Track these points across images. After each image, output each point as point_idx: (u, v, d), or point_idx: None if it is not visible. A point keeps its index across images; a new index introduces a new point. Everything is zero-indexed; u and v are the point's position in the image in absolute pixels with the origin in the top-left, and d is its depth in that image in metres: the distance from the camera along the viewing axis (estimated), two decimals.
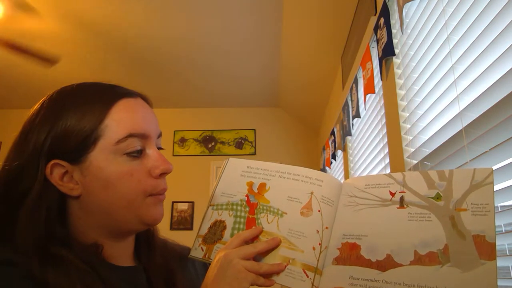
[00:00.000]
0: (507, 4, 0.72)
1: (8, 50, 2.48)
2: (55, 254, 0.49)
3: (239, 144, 4.09)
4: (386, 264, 0.51)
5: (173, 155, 4.05)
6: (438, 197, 0.52)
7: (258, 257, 0.55)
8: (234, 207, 0.62)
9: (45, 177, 0.52)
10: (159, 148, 0.60)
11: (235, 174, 0.66)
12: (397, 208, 0.54)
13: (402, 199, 0.54)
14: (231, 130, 4.14)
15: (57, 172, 0.52)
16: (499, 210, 0.82)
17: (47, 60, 2.56)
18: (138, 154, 0.55)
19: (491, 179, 0.49)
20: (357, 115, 1.88)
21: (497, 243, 0.78)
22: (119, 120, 0.54)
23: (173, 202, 3.82)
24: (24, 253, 0.48)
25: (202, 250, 0.61)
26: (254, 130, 4.12)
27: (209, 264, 0.56)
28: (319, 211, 0.57)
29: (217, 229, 0.62)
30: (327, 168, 2.97)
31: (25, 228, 0.50)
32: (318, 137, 3.95)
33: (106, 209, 0.54)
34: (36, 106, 0.56)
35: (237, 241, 0.55)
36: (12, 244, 0.49)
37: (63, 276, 0.47)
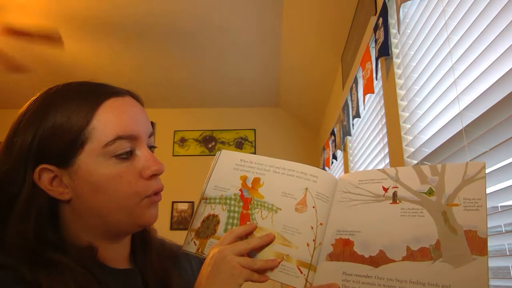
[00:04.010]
0: (507, 4, 0.72)
1: (11, 35, 2.44)
2: (48, 258, 0.48)
3: (239, 144, 4.09)
4: (379, 260, 0.51)
5: (173, 155, 4.05)
6: (430, 192, 0.51)
7: (252, 253, 0.55)
8: (228, 201, 0.62)
9: (34, 182, 0.51)
10: (152, 147, 0.59)
11: (228, 167, 0.65)
12: (390, 203, 0.54)
13: (395, 194, 0.54)
14: (231, 130, 4.14)
15: (46, 177, 0.51)
16: (499, 210, 0.82)
17: (50, 37, 2.51)
18: (128, 155, 0.53)
19: (483, 173, 0.49)
20: (357, 115, 1.88)
21: (497, 243, 0.78)
22: (107, 122, 0.52)
23: (173, 202, 3.82)
24: (15, 257, 0.47)
25: (195, 245, 0.60)
26: (254, 130, 4.12)
27: (203, 259, 0.56)
28: (313, 207, 0.57)
29: (210, 223, 0.61)
30: (327, 168, 2.97)
31: (15, 232, 0.49)
32: (318, 137, 3.95)
33: (98, 212, 0.53)
34: (22, 109, 0.55)
35: (230, 237, 0.55)
36: (4, 247, 0.49)
37: (57, 279, 0.47)
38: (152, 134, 0.59)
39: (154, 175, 0.56)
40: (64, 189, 0.52)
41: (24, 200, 0.50)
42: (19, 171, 0.51)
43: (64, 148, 0.51)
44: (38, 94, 0.56)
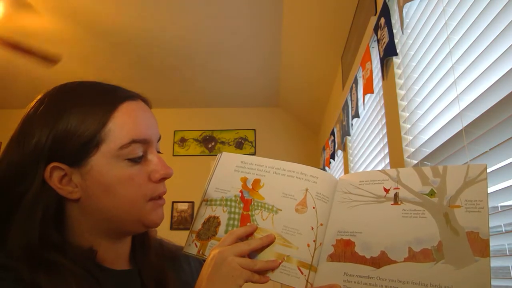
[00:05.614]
0: (507, 4, 0.72)
1: (9, 49, 2.46)
2: (48, 259, 0.48)
3: (239, 144, 4.09)
4: (381, 261, 0.51)
5: (173, 155, 4.05)
6: (432, 193, 0.51)
7: (252, 254, 0.55)
8: (228, 203, 0.62)
9: (44, 180, 0.51)
10: (158, 152, 0.60)
11: (228, 169, 0.65)
12: (391, 204, 0.54)
13: (396, 195, 0.54)
14: (231, 130, 4.14)
15: (56, 175, 0.51)
16: (499, 210, 0.82)
17: (48, 59, 2.54)
18: (140, 159, 0.55)
19: (485, 175, 0.49)
20: (356, 115, 1.88)
21: (497, 243, 0.78)
22: (122, 125, 0.53)
23: (173, 202, 3.82)
24: (16, 258, 0.47)
25: (196, 246, 0.61)
26: (254, 130, 4.12)
27: (204, 260, 0.56)
28: (313, 207, 0.57)
29: (211, 225, 0.62)
30: (327, 168, 2.97)
31: (19, 232, 0.49)
32: (318, 137, 3.95)
33: (106, 212, 0.53)
34: (35, 103, 0.54)
35: (231, 239, 0.55)
36: (5, 247, 0.48)
37: (57, 281, 0.47)
38: (160, 138, 0.60)
39: (163, 179, 0.57)
40: (74, 188, 0.52)
41: (32, 197, 0.50)
42: (31, 168, 0.51)
43: (79, 148, 0.51)
44: (53, 89, 0.56)
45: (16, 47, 2.45)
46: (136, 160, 0.54)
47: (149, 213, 0.56)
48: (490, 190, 0.78)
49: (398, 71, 1.35)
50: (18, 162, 0.51)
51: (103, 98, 0.55)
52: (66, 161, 0.51)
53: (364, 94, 1.67)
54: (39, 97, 0.55)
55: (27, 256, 0.48)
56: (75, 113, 0.52)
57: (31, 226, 0.49)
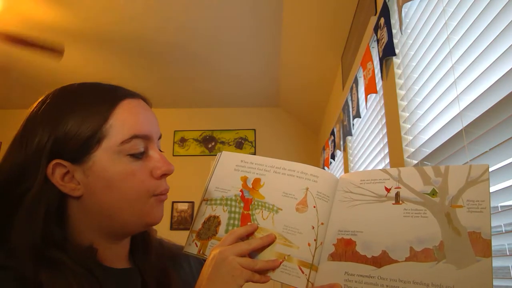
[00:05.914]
0: (507, 4, 0.72)
1: (11, 43, 2.44)
2: (50, 257, 0.49)
3: (239, 144, 4.09)
4: (382, 260, 0.51)
5: (173, 155, 4.05)
6: (433, 193, 0.51)
7: (253, 253, 0.55)
8: (229, 202, 0.62)
9: (46, 178, 0.51)
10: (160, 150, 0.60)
11: (228, 169, 0.65)
12: (393, 204, 0.54)
13: (397, 195, 0.54)
14: (231, 130, 4.14)
15: (58, 172, 0.52)
16: (499, 210, 0.82)
17: (53, 50, 2.50)
18: (141, 155, 0.55)
19: (487, 175, 0.49)
20: (358, 115, 1.88)
21: (497, 243, 0.78)
22: (124, 121, 0.54)
23: (173, 202, 3.82)
24: (18, 256, 0.47)
25: (196, 246, 0.61)
26: (254, 130, 4.12)
27: (204, 260, 0.56)
28: (314, 207, 0.57)
29: (211, 224, 0.62)
30: (326, 168, 2.97)
31: (22, 230, 0.49)
32: (318, 137, 3.95)
33: (107, 210, 0.54)
34: (37, 104, 0.55)
35: (231, 238, 0.55)
36: (7, 246, 0.48)
37: (59, 279, 0.47)
38: (160, 136, 0.61)
39: (164, 175, 0.57)
40: (76, 185, 0.53)
41: (34, 195, 0.50)
42: (33, 167, 0.51)
43: (81, 145, 0.52)
44: (54, 90, 0.57)
45: (18, 40, 2.42)
46: (138, 156, 0.55)
47: (151, 209, 0.56)
48: (490, 190, 0.78)
49: (398, 71, 1.35)
50: (21, 163, 0.52)
51: (104, 96, 0.55)
52: (68, 158, 0.52)
53: (367, 94, 1.66)
54: (41, 98, 0.56)
55: (30, 254, 0.48)
56: (76, 112, 0.53)
57: (33, 224, 0.49)
